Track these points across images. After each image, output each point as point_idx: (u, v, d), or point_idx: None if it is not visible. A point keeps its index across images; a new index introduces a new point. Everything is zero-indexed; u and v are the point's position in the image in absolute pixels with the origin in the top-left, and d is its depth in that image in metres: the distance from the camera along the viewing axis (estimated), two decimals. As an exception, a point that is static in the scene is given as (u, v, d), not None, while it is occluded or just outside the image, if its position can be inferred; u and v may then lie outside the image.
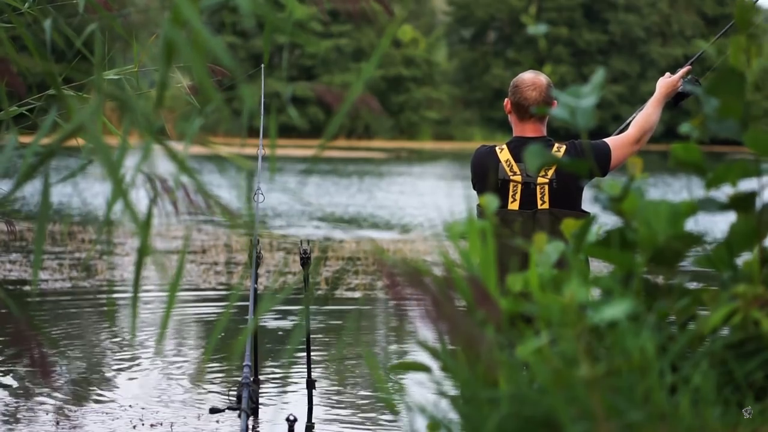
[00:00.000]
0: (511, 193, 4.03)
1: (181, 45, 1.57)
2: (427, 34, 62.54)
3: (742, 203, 1.76)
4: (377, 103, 1.71)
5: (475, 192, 4.16)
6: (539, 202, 4.01)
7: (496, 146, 4.15)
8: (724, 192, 1.78)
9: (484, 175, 4.07)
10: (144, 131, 1.62)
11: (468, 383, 1.62)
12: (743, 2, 1.86)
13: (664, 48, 64.04)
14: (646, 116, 4.26)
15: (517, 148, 4.06)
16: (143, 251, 1.62)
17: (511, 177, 4.03)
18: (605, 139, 4.20)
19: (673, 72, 4.43)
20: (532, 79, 4.11)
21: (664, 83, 4.35)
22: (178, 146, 1.71)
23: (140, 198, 1.84)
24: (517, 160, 4.04)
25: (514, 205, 4.02)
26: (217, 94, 1.61)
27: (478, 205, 3.89)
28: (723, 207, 1.77)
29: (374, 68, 1.67)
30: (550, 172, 4.01)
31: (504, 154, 4.08)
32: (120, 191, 1.58)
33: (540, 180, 4.00)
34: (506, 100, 4.17)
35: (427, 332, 1.58)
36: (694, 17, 65.00)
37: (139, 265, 1.67)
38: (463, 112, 61.93)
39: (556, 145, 4.05)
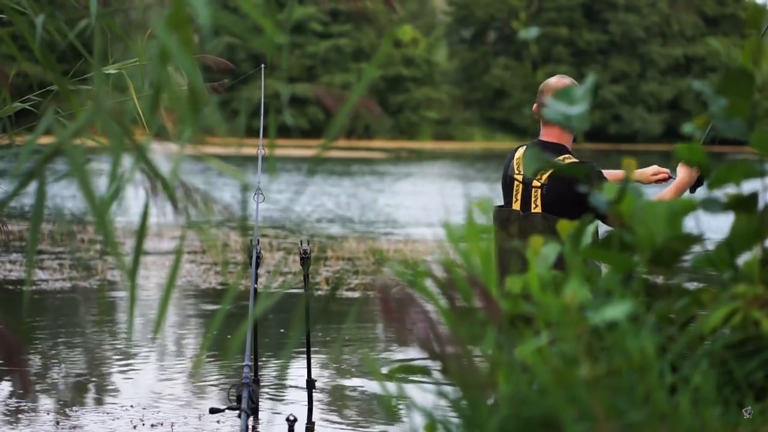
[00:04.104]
0: (514, 192, 4.10)
1: (174, 51, 1.57)
2: (427, 34, 62.48)
3: (744, 204, 1.76)
4: (377, 107, 1.70)
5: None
6: (533, 204, 4.05)
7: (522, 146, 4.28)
8: (724, 192, 1.77)
9: (504, 173, 4.19)
10: (109, 133, 1.62)
11: (467, 386, 1.62)
12: (755, 4, 1.86)
13: (664, 48, 64.00)
14: (661, 195, 3.97)
15: None
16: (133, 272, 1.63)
17: (515, 175, 4.11)
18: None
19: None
20: (555, 83, 4.14)
21: (688, 171, 4.02)
22: (176, 147, 1.71)
23: (141, 197, 1.84)
24: None
25: (516, 205, 4.09)
26: (210, 97, 1.60)
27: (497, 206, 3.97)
28: (726, 207, 1.77)
29: (375, 69, 1.66)
30: (544, 177, 4.03)
31: (519, 152, 4.19)
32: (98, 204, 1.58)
33: (534, 183, 4.05)
34: (534, 105, 4.20)
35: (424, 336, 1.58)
36: (694, 17, 64.96)
37: (135, 262, 1.67)
38: (463, 112, 61.88)
39: (564, 156, 4.04)
